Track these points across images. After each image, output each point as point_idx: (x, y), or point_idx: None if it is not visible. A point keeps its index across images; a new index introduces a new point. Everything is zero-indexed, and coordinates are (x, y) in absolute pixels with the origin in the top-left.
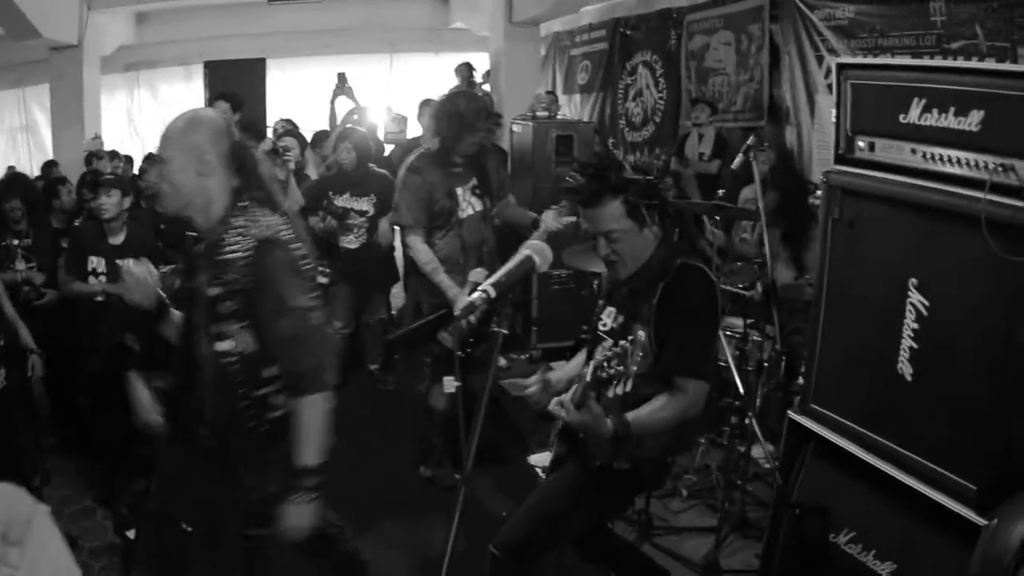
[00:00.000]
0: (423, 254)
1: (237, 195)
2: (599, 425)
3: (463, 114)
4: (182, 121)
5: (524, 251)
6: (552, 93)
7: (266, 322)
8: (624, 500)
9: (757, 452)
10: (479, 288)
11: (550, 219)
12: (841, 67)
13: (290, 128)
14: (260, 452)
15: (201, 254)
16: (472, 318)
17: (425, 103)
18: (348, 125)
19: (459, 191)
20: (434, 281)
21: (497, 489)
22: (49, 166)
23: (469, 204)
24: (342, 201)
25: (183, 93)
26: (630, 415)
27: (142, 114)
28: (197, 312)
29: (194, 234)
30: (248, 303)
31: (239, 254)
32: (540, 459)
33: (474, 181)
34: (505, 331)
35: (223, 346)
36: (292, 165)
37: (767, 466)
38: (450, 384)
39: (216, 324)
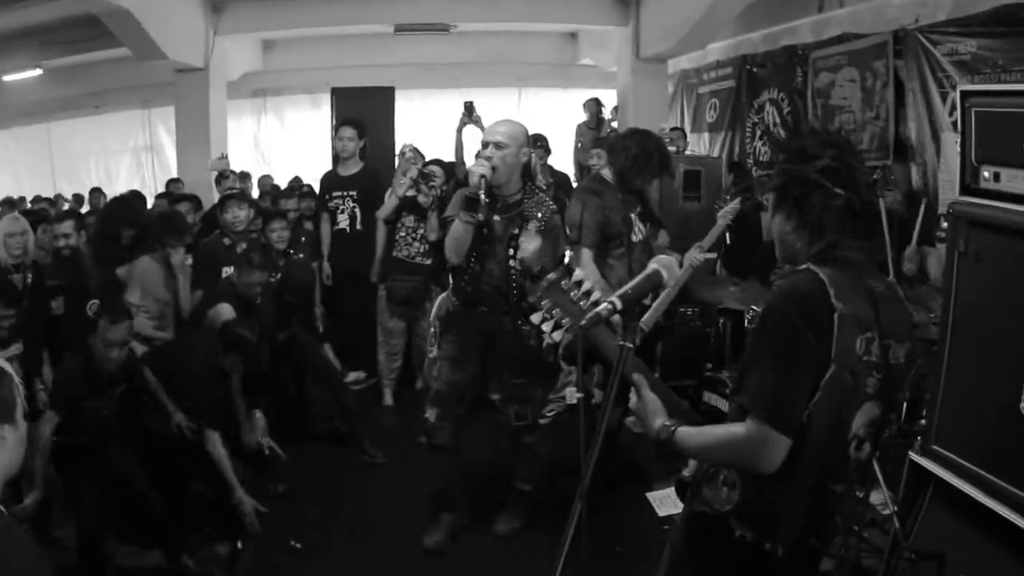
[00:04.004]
0: (593, 273)
1: None
2: (647, 417)
3: (637, 153)
4: None
5: (652, 265)
6: (679, 129)
7: None
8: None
9: (876, 498)
10: (607, 300)
11: (691, 256)
12: (965, 94)
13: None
14: None
15: None
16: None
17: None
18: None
19: (632, 216)
20: None
21: (612, 525)
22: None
23: (639, 230)
24: None
25: (310, 120)
26: (685, 428)
27: (269, 139)
28: None
29: None
30: None
31: None
32: (659, 496)
33: (639, 208)
34: (631, 344)
35: None
36: (437, 191)
37: (885, 512)
38: (572, 395)
39: None
